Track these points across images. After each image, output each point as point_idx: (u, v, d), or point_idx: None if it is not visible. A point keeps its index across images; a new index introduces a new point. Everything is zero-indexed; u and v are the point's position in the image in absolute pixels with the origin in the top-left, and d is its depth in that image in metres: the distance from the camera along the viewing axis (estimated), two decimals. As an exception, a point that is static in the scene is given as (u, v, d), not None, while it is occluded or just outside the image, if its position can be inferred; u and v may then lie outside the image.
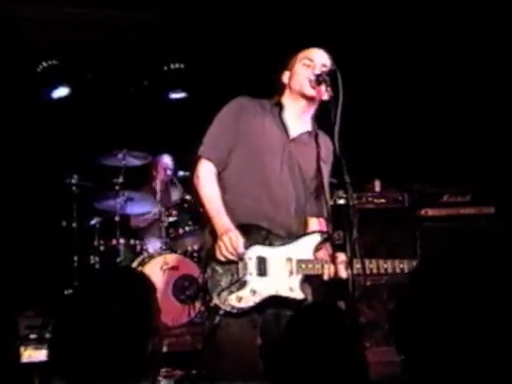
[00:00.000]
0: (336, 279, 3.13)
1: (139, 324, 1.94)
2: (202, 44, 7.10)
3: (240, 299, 3.09)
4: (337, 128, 3.01)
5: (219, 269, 3.13)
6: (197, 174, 3.34)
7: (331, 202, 4.56)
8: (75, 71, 7.23)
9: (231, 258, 3.09)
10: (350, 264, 2.90)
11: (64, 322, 1.94)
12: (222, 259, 3.10)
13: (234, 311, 3.09)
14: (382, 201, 5.70)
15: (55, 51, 7.10)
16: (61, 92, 7.29)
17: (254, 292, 3.11)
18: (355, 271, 2.89)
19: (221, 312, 3.09)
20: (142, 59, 7.33)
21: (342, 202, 4.96)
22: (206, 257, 3.22)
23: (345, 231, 3.00)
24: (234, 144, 3.31)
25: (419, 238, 5.50)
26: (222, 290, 3.09)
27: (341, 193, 4.87)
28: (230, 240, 3.08)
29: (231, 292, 3.09)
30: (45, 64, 7.11)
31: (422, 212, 5.64)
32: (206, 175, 3.30)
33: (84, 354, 1.87)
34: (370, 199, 5.67)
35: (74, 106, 7.24)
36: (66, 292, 5.75)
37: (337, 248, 3.16)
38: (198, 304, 5.65)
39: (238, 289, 3.10)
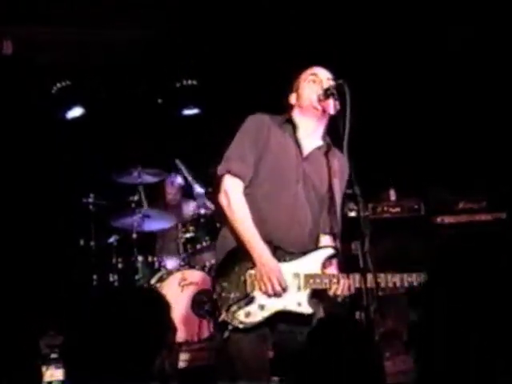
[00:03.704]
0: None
1: (147, 339, 1.95)
2: (214, 60, 7.14)
3: (248, 314, 3.10)
4: (346, 140, 3.01)
5: (227, 285, 3.14)
6: (225, 190, 3.25)
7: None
8: (88, 91, 7.30)
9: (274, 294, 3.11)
10: (363, 276, 2.89)
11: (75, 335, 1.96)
12: (264, 292, 3.11)
13: (243, 326, 3.09)
14: (398, 210, 5.69)
15: (69, 72, 7.17)
16: (75, 112, 7.37)
17: (262, 307, 3.11)
18: (363, 285, 2.88)
19: (229, 327, 3.09)
20: (155, 77, 7.38)
21: (353, 214, 4.95)
22: (215, 273, 3.24)
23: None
24: (257, 161, 3.28)
25: (437, 246, 5.47)
26: (231, 306, 3.10)
27: (352, 204, 4.86)
28: (278, 280, 3.10)
29: (239, 307, 3.10)
30: (59, 85, 7.19)
31: (439, 220, 5.62)
32: (236, 192, 3.23)
33: (90, 366, 1.89)
34: (385, 209, 5.66)
35: (88, 125, 7.30)
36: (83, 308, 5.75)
37: (349, 260, 3.16)
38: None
39: (247, 304, 3.11)
